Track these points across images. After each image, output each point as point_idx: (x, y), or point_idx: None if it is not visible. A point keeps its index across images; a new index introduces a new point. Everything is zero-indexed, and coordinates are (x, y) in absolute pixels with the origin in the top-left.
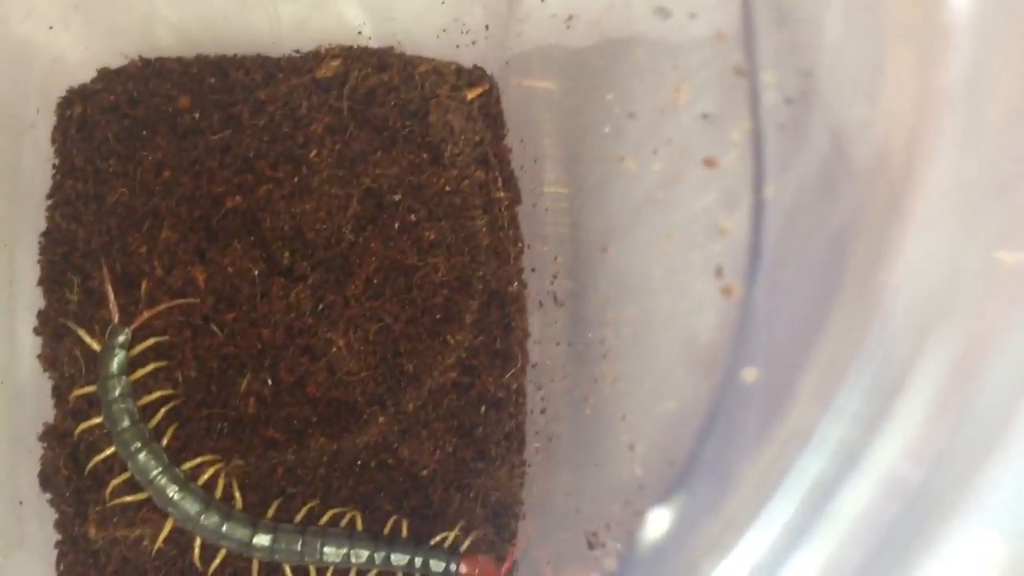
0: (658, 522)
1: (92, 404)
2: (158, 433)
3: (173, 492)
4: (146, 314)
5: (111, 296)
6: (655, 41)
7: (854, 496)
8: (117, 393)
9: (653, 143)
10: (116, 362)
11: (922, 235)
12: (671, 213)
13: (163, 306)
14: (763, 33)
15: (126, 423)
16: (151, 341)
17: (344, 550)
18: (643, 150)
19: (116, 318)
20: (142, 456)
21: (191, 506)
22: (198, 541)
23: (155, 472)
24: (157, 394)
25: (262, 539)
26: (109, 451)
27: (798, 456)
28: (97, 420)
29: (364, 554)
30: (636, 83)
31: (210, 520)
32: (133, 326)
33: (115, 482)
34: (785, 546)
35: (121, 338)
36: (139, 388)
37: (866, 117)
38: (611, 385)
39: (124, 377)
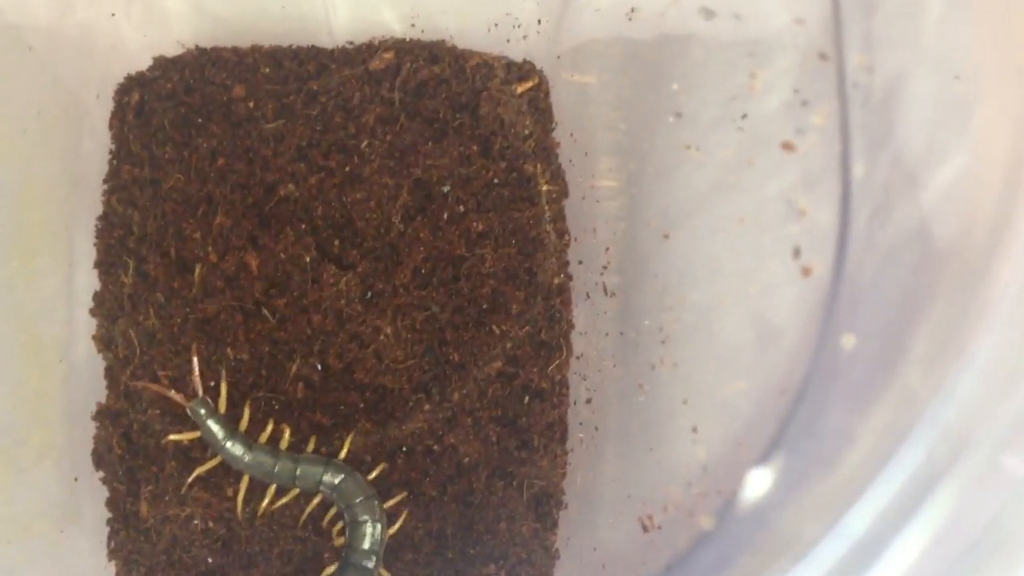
0: (758, 482)
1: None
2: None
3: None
4: (197, 379)
5: (171, 393)
6: (723, 32)
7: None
8: (240, 451)
9: (724, 129)
10: (219, 431)
11: None
12: (742, 197)
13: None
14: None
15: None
16: (224, 388)
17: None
18: (712, 137)
19: (182, 399)
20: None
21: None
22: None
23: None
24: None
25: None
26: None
27: (917, 418)
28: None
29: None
30: (706, 71)
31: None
32: (199, 392)
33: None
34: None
35: (203, 410)
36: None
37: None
38: (670, 370)
39: (232, 437)
